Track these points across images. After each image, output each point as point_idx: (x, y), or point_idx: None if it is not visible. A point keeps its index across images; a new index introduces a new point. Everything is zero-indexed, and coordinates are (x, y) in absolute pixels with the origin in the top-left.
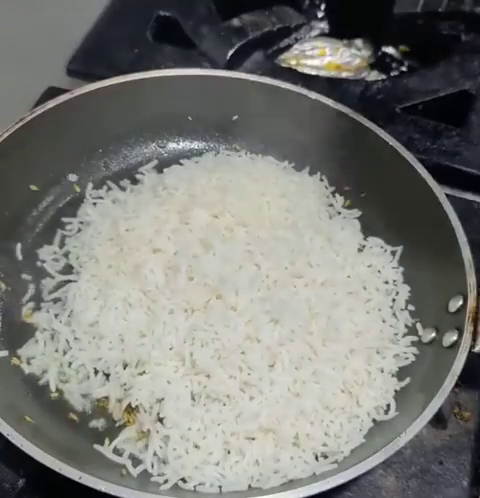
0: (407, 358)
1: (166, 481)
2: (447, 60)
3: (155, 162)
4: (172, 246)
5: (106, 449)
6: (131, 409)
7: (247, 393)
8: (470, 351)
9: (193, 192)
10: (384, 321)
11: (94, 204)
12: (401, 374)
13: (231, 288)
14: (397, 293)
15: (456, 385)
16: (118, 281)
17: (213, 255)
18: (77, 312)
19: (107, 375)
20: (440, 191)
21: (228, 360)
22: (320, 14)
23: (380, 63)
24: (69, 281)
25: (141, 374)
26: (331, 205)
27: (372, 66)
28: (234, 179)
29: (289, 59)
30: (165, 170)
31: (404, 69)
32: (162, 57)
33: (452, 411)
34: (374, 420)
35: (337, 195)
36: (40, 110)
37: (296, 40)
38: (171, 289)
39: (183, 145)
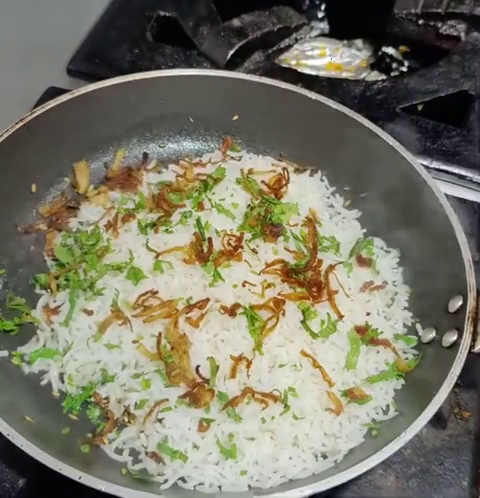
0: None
1: (166, 481)
2: (447, 60)
3: (155, 162)
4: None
5: (107, 448)
6: (131, 409)
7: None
8: (470, 351)
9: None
10: (384, 321)
11: (94, 204)
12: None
13: (229, 291)
14: (397, 293)
15: (456, 385)
16: (117, 281)
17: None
18: (76, 312)
19: (107, 376)
20: (440, 191)
21: (227, 362)
22: (320, 14)
23: (380, 63)
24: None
25: (140, 375)
26: (331, 206)
27: (372, 66)
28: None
29: (289, 59)
30: (165, 170)
31: (404, 69)
32: (162, 57)
33: (452, 411)
34: (374, 420)
35: (337, 195)
36: (40, 110)
37: (296, 40)
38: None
39: (183, 145)
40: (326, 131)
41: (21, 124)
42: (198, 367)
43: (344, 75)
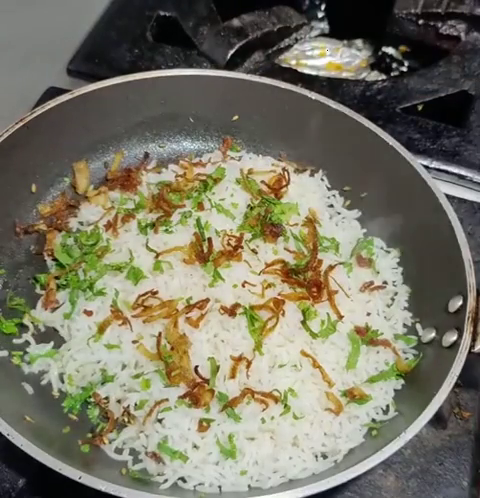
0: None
1: (166, 481)
2: (447, 60)
3: (155, 162)
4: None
5: (107, 448)
6: (131, 409)
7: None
8: (470, 351)
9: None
10: (384, 321)
11: (94, 204)
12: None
13: (229, 291)
14: (397, 293)
15: (456, 385)
16: (117, 281)
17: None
18: (76, 312)
19: (107, 376)
20: (440, 191)
21: (227, 363)
22: (320, 14)
23: (380, 63)
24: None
25: (140, 375)
26: (331, 206)
27: (372, 66)
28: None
29: (289, 59)
30: (165, 170)
31: (404, 69)
32: (162, 57)
33: (452, 411)
34: (374, 420)
35: (337, 195)
36: (40, 110)
37: (296, 40)
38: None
39: (183, 145)
40: (326, 131)
41: (21, 124)
42: (197, 367)
43: (344, 75)
